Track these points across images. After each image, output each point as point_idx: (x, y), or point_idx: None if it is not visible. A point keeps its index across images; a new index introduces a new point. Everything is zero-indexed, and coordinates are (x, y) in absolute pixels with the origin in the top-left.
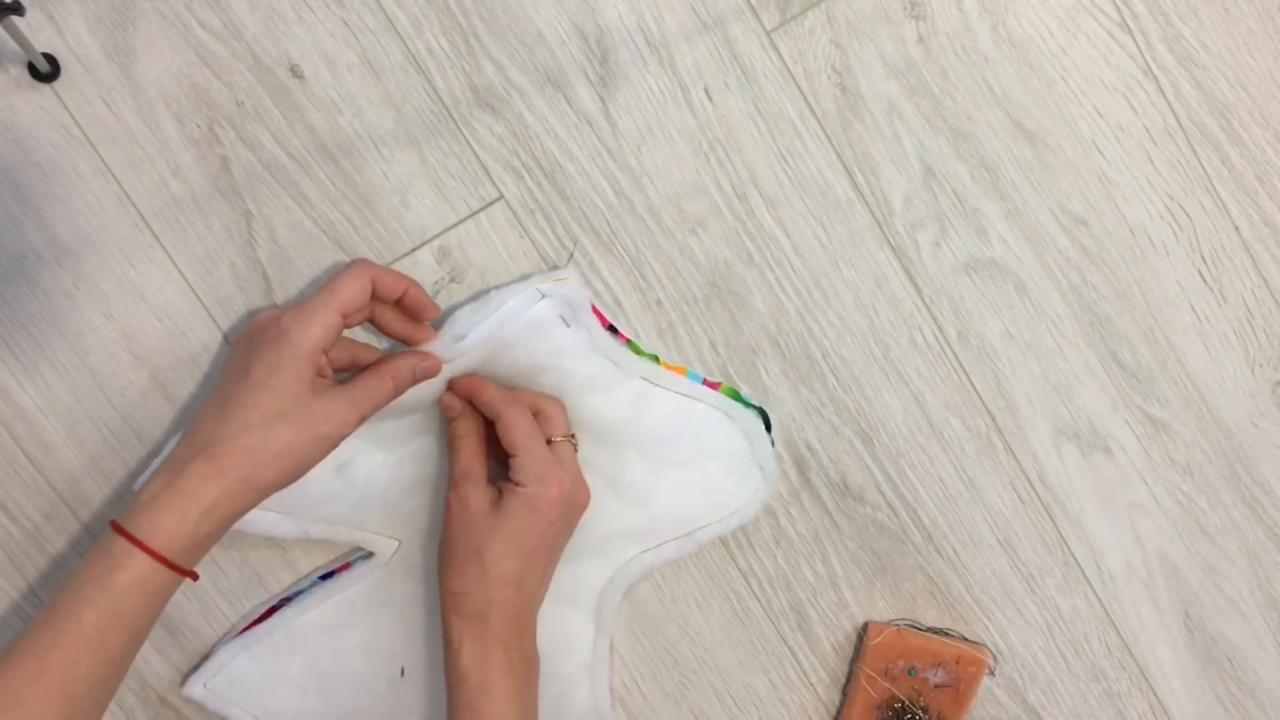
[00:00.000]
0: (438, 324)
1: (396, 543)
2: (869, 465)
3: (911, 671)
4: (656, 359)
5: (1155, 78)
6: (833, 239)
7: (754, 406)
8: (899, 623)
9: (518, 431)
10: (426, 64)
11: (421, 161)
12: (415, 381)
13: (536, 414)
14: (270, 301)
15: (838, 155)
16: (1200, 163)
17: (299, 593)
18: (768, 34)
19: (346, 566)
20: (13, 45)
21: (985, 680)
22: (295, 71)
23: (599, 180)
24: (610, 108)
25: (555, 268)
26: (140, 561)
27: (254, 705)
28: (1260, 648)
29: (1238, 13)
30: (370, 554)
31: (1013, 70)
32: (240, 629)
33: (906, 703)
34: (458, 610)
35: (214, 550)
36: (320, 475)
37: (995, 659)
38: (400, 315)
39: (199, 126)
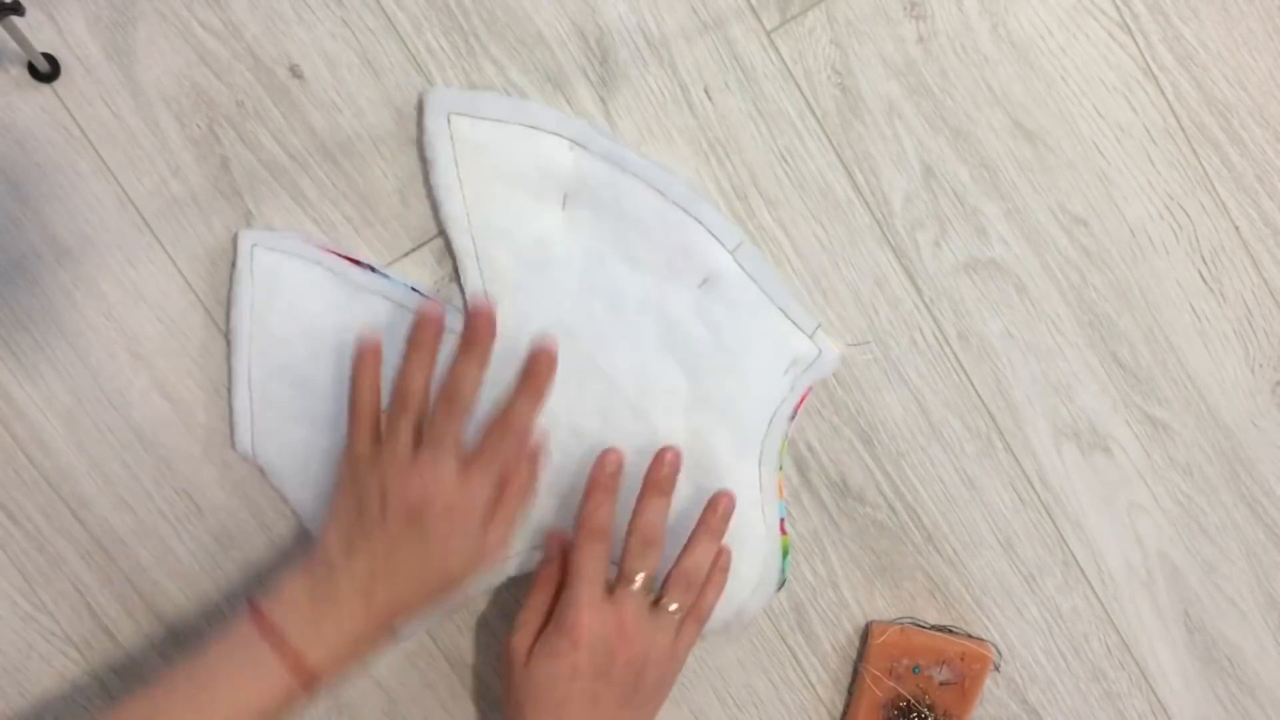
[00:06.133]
0: None
1: None
2: (869, 465)
3: (916, 670)
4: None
5: (1155, 78)
6: (833, 239)
7: (784, 577)
8: (902, 621)
9: (572, 567)
10: (426, 64)
11: (422, 161)
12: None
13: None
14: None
15: (838, 155)
16: (1200, 163)
17: None
18: (768, 34)
19: None
20: (13, 45)
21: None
22: (295, 71)
23: None
24: (610, 108)
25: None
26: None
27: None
28: (1260, 648)
29: (1238, 13)
30: None
31: (1013, 70)
32: None
33: (912, 701)
34: None
35: (215, 551)
36: None
37: (1000, 654)
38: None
39: (199, 126)
